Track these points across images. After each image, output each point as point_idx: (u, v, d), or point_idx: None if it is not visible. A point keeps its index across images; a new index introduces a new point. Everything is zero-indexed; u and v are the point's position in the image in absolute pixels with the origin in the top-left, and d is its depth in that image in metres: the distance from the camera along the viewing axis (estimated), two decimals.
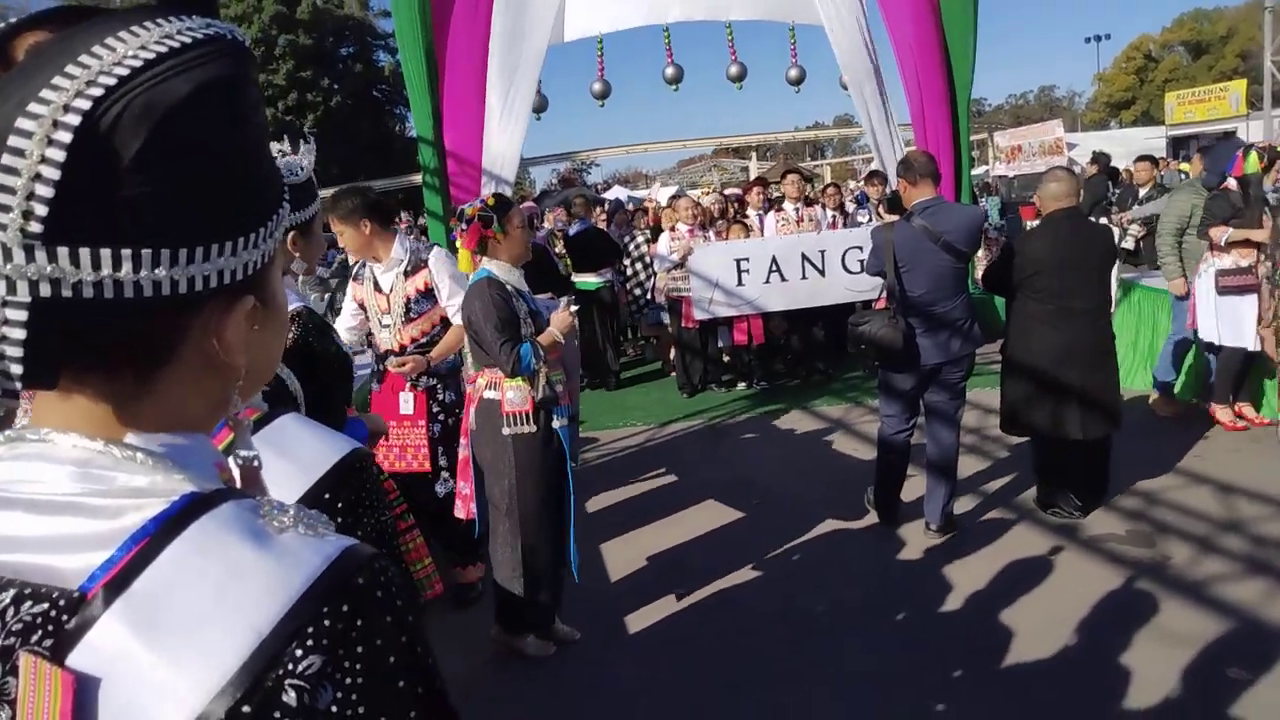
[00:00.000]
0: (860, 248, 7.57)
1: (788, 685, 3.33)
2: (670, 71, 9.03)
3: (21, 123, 0.53)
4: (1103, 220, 9.22)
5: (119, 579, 0.55)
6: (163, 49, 0.57)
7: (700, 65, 10.22)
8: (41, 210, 0.53)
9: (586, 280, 8.61)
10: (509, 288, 3.38)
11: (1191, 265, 5.95)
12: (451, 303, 4.02)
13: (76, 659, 0.54)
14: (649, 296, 9.11)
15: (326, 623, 0.56)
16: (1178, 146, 22.32)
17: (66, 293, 0.55)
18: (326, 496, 1.32)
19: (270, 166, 0.67)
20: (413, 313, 4.00)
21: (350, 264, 4.64)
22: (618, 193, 21.18)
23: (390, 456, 3.96)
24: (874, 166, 8.69)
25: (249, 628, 0.54)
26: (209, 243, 0.60)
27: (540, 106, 8.52)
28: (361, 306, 4.14)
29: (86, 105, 0.53)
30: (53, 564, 0.57)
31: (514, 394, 3.38)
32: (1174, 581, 3.86)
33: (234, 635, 0.54)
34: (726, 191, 11.87)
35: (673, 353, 8.71)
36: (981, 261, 7.82)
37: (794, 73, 9.36)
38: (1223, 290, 5.55)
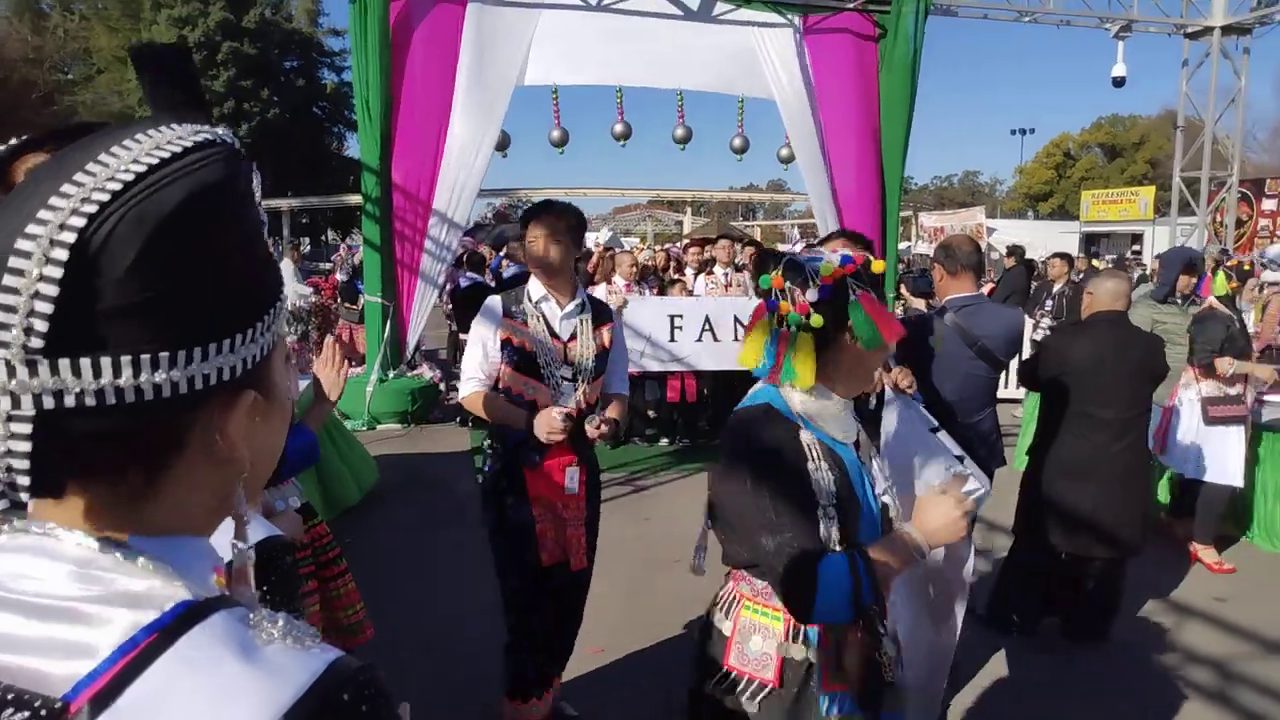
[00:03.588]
0: None
1: None
2: (619, 129, 9.30)
3: (20, 244, 0.55)
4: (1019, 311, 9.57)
5: (106, 691, 0.55)
6: (154, 160, 0.59)
7: (646, 121, 10.52)
8: (42, 326, 0.55)
9: None
10: (805, 438, 1.80)
11: None
12: (616, 368, 3.36)
13: None
14: None
15: None
16: (1090, 243, 23.48)
17: (70, 402, 0.56)
18: None
19: (266, 260, 0.68)
20: (598, 371, 3.24)
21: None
22: None
23: (549, 544, 3.18)
24: (808, 238, 8.94)
25: None
26: (207, 342, 0.61)
27: (503, 144, 8.68)
28: (518, 350, 3.13)
29: (81, 223, 0.55)
30: (40, 668, 0.56)
31: (759, 641, 1.87)
32: None
33: None
34: (666, 246, 12.07)
35: None
36: None
37: (738, 141, 9.77)
38: (1211, 421, 5.14)
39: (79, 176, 0.57)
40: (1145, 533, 4.15)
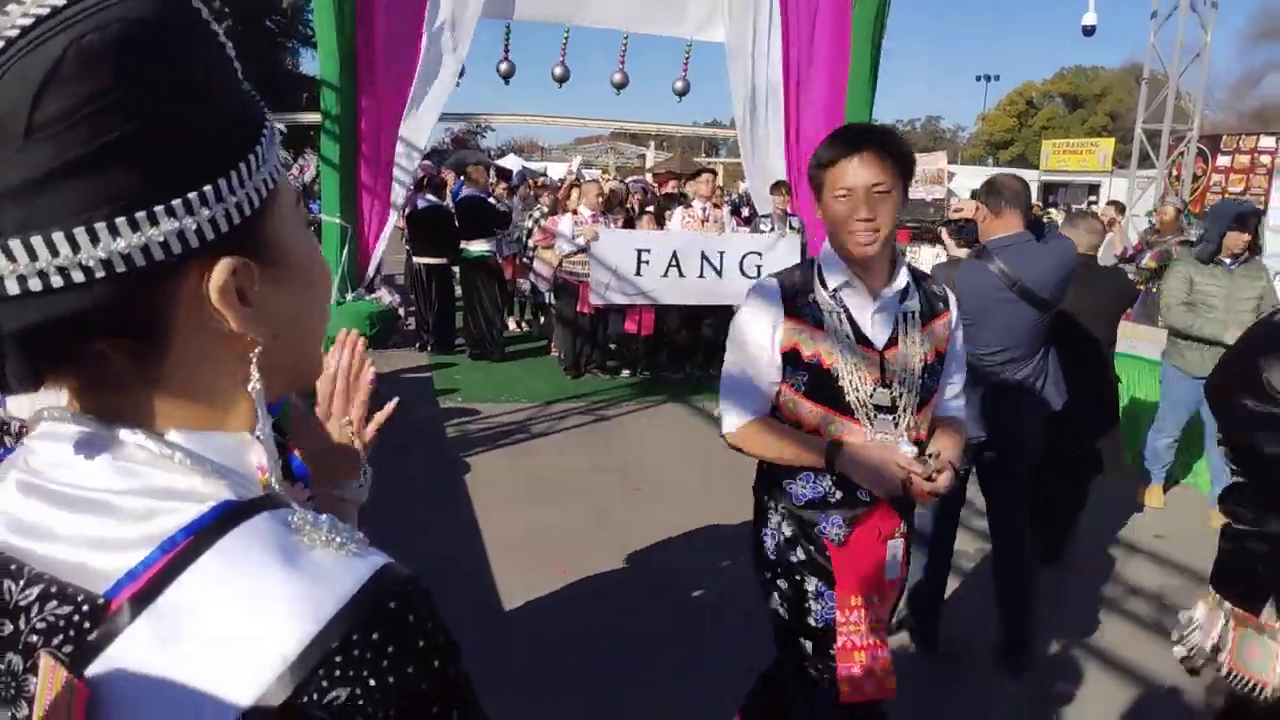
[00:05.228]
0: (759, 254, 7.77)
1: (666, 675, 3.40)
2: (559, 71, 9.24)
3: None
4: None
5: (146, 591, 0.53)
6: (42, 11, 0.49)
7: (610, 53, 10.46)
8: None
9: (475, 247, 8.63)
10: None
11: (1188, 343, 5.07)
12: (953, 381, 2.24)
13: (97, 669, 0.52)
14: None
15: (356, 651, 0.53)
16: (1048, 192, 23.71)
17: (13, 289, 0.50)
18: None
19: (230, 104, 0.59)
20: (928, 392, 2.12)
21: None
22: (513, 161, 20.88)
23: (853, 673, 2.06)
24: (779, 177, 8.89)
25: (276, 652, 0.52)
26: (151, 205, 0.52)
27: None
28: (809, 366, 2.04)
29: None
30: (81, 561, 0.55)
31: None
32: None
33: (261, 659, 0.52)
34: (630, 180, 11.98)
35: (556, 332, 8.79)
36: None
37: (680, 85, 9.78)
38: None
39: None
40: (1116, 456, 4.55)
